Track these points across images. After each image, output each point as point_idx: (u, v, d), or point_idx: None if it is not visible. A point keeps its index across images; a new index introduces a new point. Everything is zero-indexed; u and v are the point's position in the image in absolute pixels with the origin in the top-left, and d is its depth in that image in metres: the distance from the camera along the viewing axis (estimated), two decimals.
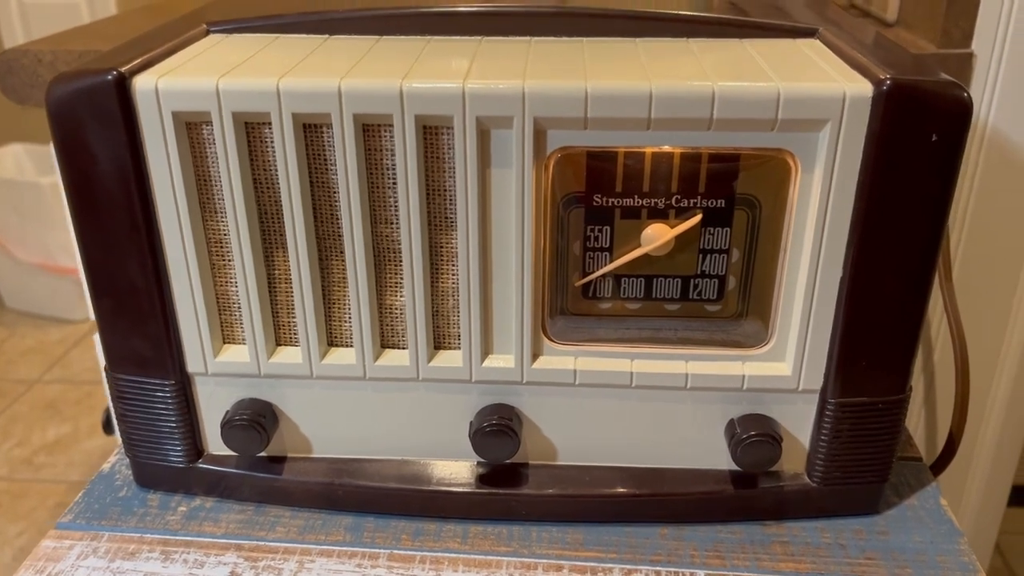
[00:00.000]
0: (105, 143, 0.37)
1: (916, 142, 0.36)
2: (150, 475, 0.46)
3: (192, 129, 0.38)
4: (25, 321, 2.24)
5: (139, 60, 0.38)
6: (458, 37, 0.43)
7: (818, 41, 0.42)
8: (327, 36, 0.43)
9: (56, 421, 1.85)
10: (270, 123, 0.38)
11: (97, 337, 0.76)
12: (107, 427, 0.87)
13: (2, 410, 1.88)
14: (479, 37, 0.43)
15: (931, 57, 0.61)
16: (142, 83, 0.37)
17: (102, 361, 0.77)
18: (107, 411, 0.86)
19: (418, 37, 0.43)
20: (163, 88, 0.37)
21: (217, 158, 0.38)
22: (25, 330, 2.21)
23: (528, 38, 0.43)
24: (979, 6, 0.60)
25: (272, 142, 0.38)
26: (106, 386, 0.76)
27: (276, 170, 0.39)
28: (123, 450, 0.49)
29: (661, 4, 0.47)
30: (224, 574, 0.41)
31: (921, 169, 0.36)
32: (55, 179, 2.01)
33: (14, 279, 2.24)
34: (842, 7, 0.79)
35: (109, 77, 0.36)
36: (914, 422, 0.73)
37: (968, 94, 0.36)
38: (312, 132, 0.38)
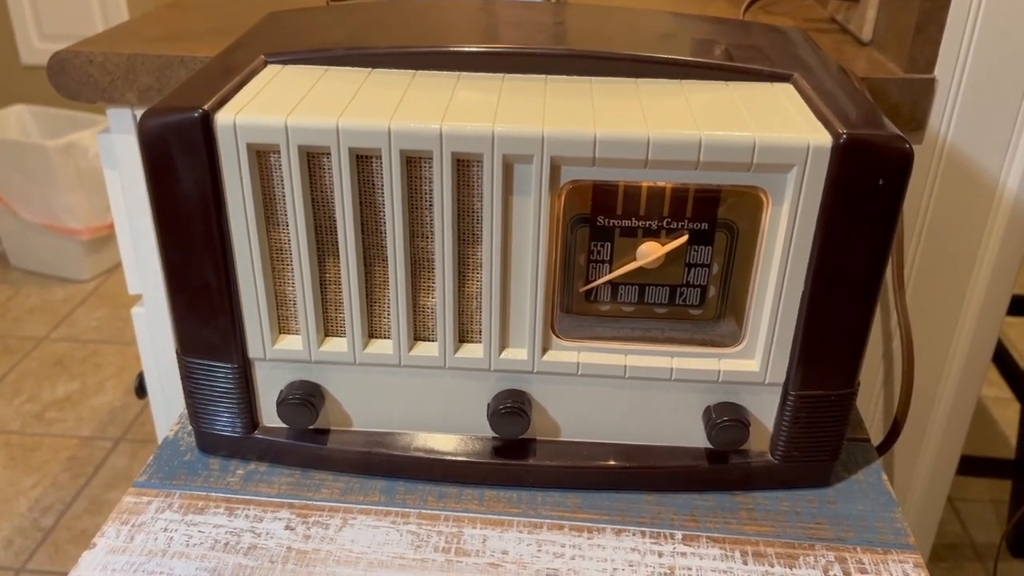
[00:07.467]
0: (189, 167, 0.44)
1: (866, 184, 0.43)
2: (211, 443, 0.53)
3: (261, 156, 0.45)
4: (30, 280, 2.30)
5: (217, 96, 0.45)
6: (484, 74, 0.50)
7: (791, 87, 0.49)
8: (370, 70, 0.50)
9: (65, 378, 1.91)
10: (328, 153, 0.45)
11: (136, 310, 0.83)
12: (140, 391, 0.95)
13: (12, 366, 1.95)
14: (502, 74, 0.50)
15: (897, 81, 0.68)
16: (223, 119, 0.43)
17: (142, 344, 0.84)
18: (139, 377, 0.93)
19: (449, 73, 0.50)
20: (240, 124, 0.43)
21: (282, 181, 0.45)
22: (30, 288, 2.27)
23: (544, 76, 0.50)
24: (942, 37, 0.67)
25: (329, 168, 0.45)
26: (143, 365, 0.83)
27: (332, 191, 0.46)
28: (184, 420, 0.57)
29: (648, 33, 0.54)
30: (280, 527, 0.49)
31: (870, 206, 0.44)
32: (61, 142, 2.05)
33: (19, 239, 2.29)
34: (824, 21, 0.85)
35: (196, 114, 0.43)
36: (872, 406, 0.82)
37: (910, 145, 0.43)
38: (363, 161, 0.45)
